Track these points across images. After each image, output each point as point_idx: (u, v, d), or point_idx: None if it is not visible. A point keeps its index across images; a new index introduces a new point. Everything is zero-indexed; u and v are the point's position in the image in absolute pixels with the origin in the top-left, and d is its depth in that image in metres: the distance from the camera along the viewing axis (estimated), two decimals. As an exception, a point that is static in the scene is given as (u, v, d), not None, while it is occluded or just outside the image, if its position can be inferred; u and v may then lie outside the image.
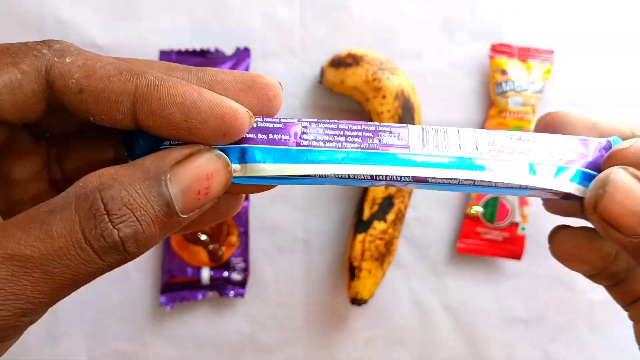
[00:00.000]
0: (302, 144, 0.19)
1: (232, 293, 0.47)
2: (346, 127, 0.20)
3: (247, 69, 0.46)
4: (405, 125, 0.21)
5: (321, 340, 0.48)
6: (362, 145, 0.20)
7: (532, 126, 0.46)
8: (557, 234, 0.22)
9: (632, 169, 0.18)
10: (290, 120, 0.20)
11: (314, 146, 0.19)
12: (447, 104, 0.48)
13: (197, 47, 0.46)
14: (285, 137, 0.19)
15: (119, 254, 0.16)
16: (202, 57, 0.46)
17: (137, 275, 0.47)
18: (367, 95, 0.44)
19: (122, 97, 0.17)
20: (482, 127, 0.48)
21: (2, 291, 0.15)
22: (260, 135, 0.19)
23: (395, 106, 0.44)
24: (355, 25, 0.47)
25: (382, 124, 0.21)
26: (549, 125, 0.22)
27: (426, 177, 0.20)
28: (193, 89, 0.17)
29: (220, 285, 0.47)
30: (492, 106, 0.47)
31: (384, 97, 0.44)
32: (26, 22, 0.46)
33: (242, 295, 0.47)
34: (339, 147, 0.20)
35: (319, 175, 0.19)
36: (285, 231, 0.48)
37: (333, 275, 0.48)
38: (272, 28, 0.47)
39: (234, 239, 0.46)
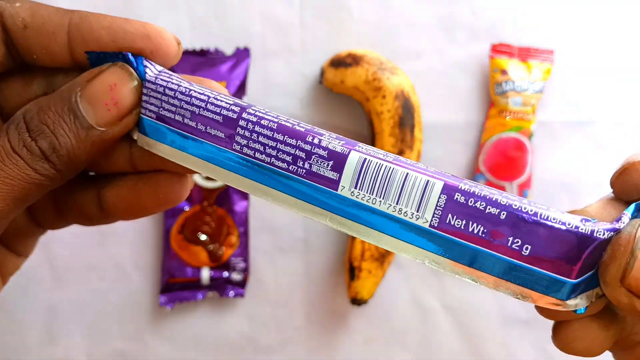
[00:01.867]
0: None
1: (232, 293, 0.47)
2: (281, 137, 0.18)
3: (247, 69, 0.46)
4: (346, 150, 0.17)
5: (321, 340, 0.48)
6: (290, 168, 0.18)
7: (533, 127, 0.46)
8: (566, 330, 0.18)
9: None
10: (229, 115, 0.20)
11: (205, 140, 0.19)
12: (447, 104, 0.48)
13: (197, 47, 0.46)
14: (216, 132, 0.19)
15: (44, 162, 0.19)
16: (202, 57, 0.46)
17: (137, 275, 0.47)
18: (367, 95, 0.44)
19: (59, 28, 0.19)
20: (482, 127, 0.48)
21: None
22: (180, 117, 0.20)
23: (395, 106, 0.44)
24: (355, 25, 0.47)
25: (321, 144, 0.18)
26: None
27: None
28: (120, 18, 0.20)
29: (220, 285, 0.47)
30: (492, 106, 0.47)
31: (384, 97, 0.44)
32: (26, 22, 0.46)
33: (242, 295, 0.47)
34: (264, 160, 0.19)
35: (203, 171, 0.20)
36: (285, 231, 0.48)
37: (333, 275, 0.48)
38: (272, 28, 0.47)
39: (234, 239, 0.46)
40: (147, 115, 0.20)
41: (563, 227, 0.15)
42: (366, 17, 0.47)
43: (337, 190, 0.17)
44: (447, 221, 0.16)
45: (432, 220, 0.16)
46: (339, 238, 0.48)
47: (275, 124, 0.19)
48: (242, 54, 0.46)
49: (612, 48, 0.48)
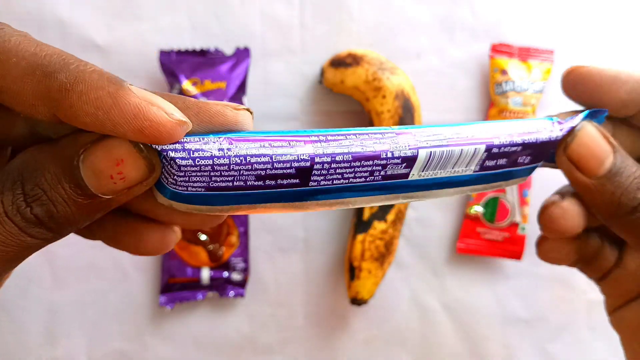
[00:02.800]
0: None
1: (232, 293, 0.47)
2: (358, 164, 0.19)
3: (247, 69, 0.46)
4: (415, 151, 0.20)
5: (321, 340, 0.48)
6: (367, 179, 0.20)
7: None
8: (543, 244, 0.26)
9: (599, 126, 0.23)
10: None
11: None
12: (447, 104, 0.48)
13: (197, 47, 0.46)
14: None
15: (41, 228, 0.17)
16: (202, 57, 0.46)
17: (137, 275, 0.47)
18: (367, 95, 0.44)
19: (38, 101, 0.16)
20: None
21: None
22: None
23: (395, 106, 0.44)
24: (355, 25, 0.47)
25: (389, 151, 0.20)
26: (574, 81, 0.24)
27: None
28: (107, 94, 0.16)
29: (220, 285, 0.47)
30: (492, 106, 0.47)
31: (384, 97, 0.44)
32: (26, 22, 0.46)
33: (242, 295, 0.47)
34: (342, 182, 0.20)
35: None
36: (285, 231, 0.48)
37: (333, 275, 0.48)
38: (272, 28, 0.47)
39: (234, 239, 0.46)
40: (192, 190, 0.18)
41: (549, 138, 0.22)
42: (366, 17, 0.47)
43: (407, 178, 0.21)
44: (485, 165, 0.22)
45: (475, 168, 0.22)
46: (339, 238, 0.48)
47: (350, 155, 0.19)
48: (242, 54, 0.46)
49: (612, 48, 0.48)
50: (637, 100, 0.23)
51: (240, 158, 0.18)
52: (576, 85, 0.24)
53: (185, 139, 0.17)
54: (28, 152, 0.17)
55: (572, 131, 0.22)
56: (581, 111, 0.24)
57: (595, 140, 0.22)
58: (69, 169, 0.17)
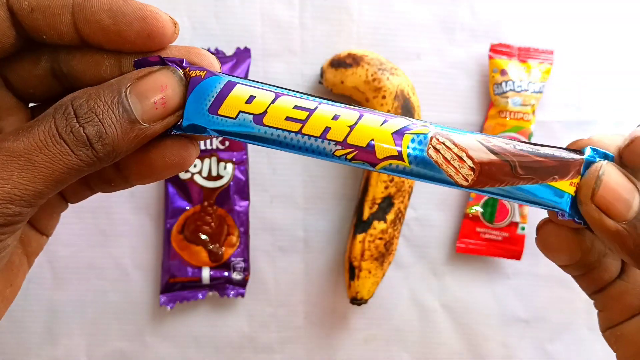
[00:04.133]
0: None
1: (232, 293, 0.47)
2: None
3: (247, 69, 0.46)
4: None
5: (321, 340, 0.49)
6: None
7: (532, 127, 0.46)
8: (544, 226, 0.24)
9: (616, 165, 0.21)
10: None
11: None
12: (447, 104, 0.48)
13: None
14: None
15: (88, 149, 0.19)
16: (202, 57, 0.46)
17: (137, 275, 0.47)
18: (367, 96, 0.44)
19: (63, 9, 0.20)
20: (482, 127, 0.48)
21: None
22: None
23: (395, 106, 0.44)
24: (355, 26, 0.47)
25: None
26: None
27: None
28: None
29: (220, 285, 0.47)
30: (492, 106, 0.47)
31: (383, 97, 0.44)
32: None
33: (242, 295, 0.47)
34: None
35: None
36: (285, 231, 0.48)
37: (333, 275, 0.48)
38: (272, 28, 0.47)
39: (234, 238, 0.46)
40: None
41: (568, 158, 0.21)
42: (366, 17, 0.47)
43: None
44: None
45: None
46: (339, 238, 0.48)
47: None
48: (242, 54, 0.46)
49: (612, 48, 0.48)
50: None
51: None
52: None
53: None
54: (78, 91, 0.20)
55: (592, 174, 0.21)
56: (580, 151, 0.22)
57: (622, 182, 0.20)
58: (118, 97, 0.19)
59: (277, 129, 0.21)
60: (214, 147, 0.46)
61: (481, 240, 0.48)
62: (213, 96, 0.21)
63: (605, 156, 0.21)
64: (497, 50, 0.47)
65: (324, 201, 0.48)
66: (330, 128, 0.21)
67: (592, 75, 0.48)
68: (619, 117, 0.48)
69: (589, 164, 0.21)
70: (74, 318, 0.47)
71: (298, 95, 0.21)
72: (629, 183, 0.20)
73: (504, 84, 0.46)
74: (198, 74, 0.21)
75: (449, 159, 0.21)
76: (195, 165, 0.46)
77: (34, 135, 0.19)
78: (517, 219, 0.47)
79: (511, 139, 0.21)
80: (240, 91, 0.21)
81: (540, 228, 0.24)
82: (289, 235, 0.48)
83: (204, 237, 0.46)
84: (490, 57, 0.47)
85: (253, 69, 0.47)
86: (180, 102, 0.21)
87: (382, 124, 0.21)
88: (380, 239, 0.44)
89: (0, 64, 0.22)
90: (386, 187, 0.44)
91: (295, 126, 0.21)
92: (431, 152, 0.21)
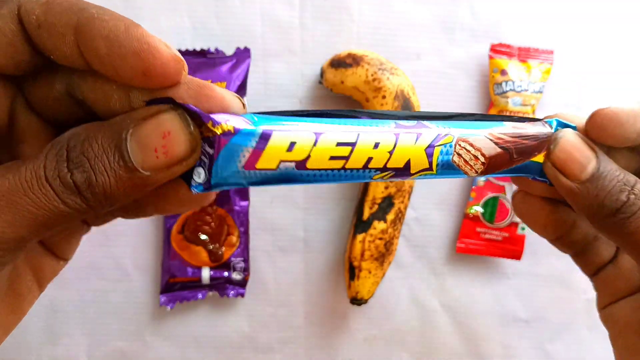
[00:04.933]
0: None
1: (232, 293, 0.47)
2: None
3: (247, 69, 0.46)
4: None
5: (321, 340, 0.49)
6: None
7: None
8: (516, 195, 0.27)
9: (579, 134, 0.24)
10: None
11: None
12: (447, 104, 0.48)
13: (198, 47, 0.46)
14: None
15: (76, 197, 0.17)
16: (203, 57, 0.46)
17: (138, 275, 0.47)
18: (367, 96, 0.44)
19: (67, 29, 0.18)
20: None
21: None
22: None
23: (395, 106, 0.44)
24: (355, 26, 0.47)
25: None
26: (601, 123, 0.24)
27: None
28: (122, 23, 0.18)
29: (220, 285, 0.47)
30: (492, 106, 0.47)
31: (384, 97, 0.44)
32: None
33: (242, 295, 0.47)
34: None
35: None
36: (285, 231, 0.48)
37: (333, 275, 0.48)
38: (272, 28, 0.47)
39: (234, 238, 0.46)
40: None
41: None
42: (366, 17, 0.47)
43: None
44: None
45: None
46: (339, 238, 0.48)
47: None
48: (242, 54, 0.46)
49: (612, 48, 0.48)
50: None
51: None
52: (603, 126, 0.24)
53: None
54: (80, 126, 0.18)
55: (552, 137, 0.24)
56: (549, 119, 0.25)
57: (577, 145, 0.23)
58: (116, 140, 0.17)
59: (321, 170, 0.19)
60: (214, 147, 0.46)
61: (481, 240, 0.48)
62: (248, 151, 0.18)
63: (568, 127, 0.24)
64: (497, 50, 0.47)
65: (324, 201, 0.48)
66: (372, 158, 0.20)
67: (592, 75, 0.48)
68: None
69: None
70: (75, 318, 0.47)
71: (336, 123, 0.20)
72: (586, 149, 0.23)
73: (504, 83, 0.46)
74: (225, 129, 0.18)
75: (467, 160, 0.22)
76: (195, 165, 0.46)
77: (20, 174, 0.17)
78: (518, 219, 0.47)
79: (507, 119, 0.24)
80: (279, 140, 0.19)
81: (513, 197, 0.27)
82: (289, 235, 0.48)
83: (204, 237, 0.46)
84: (491, 57, 0.47)
85: (253, 69, 0.47)
86: (188, 152, 0.18)
87: (415, 141, 0.21)
88: (380, 239, 0.44)
89: (20, 84, 0.20)
90: (386, 187, 0.44)
91: (339, 164, 0.20)
92: (455, 158, 0.22)
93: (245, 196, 0.47)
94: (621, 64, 0.48)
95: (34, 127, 0.21)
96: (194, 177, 0.19)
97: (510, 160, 0.23)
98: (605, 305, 0.27)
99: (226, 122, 0.18)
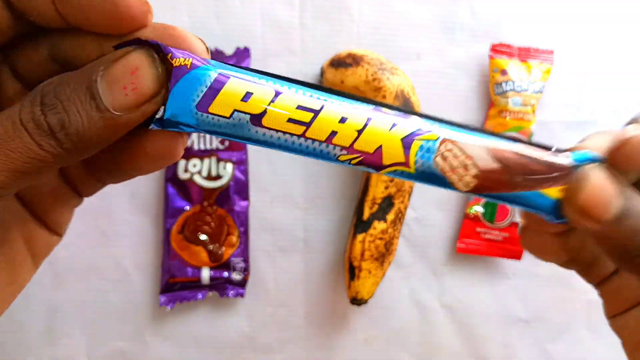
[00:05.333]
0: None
1: (232, 293, 0.47)
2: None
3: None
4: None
5: (321, 340, 0.49)
6: None
7: (533, 127, 0.46)
8: (526, 232, 0.25)
9: (605, 170, 0.21)
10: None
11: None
12: (447, 104, 0.48)
13: (197, 47, 0.46)
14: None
15: (50, 139, 0.18)
16: (202, 57, 0.46)
17: (137, 275, 0.47)
18: (367, 95, 0.44)
19: None
20: (482, 127, 0.48)
21: None
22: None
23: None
24: (355, 26, 0.47)
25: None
26: (630, 154, 0.21)
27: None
28: None
29: (220, 285, 0.47)
30: (492, 106, 0.47)
31: (384, 97, 0.44)
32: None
33: (242, 295, 0.47)
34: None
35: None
36: (285, 231, 0.48)
37: (333, 275, 0.48)
38: (272, 28, 0.47)
39: (234, 238, 0.46)
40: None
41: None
42: (366, 17, 0.47)
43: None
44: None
45: None
46: (339, 238, 0.48)
47: None
48: (242, 54, 0.46)
49: (612, 48, 0.48)
50: None
51: None
52: (633, 157, 0.21)
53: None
54: (56, 76, 0.19)
55: (576, 177, 0.21)
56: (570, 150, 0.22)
57: (605, 185, 0.20)
58: (87, 83, 0.18)
59: (277, 131, 0.19)
60: (214, 147, 0.46)
61: (481, 240, 0.48)
62: (202, 91, 0.18)
63: (594, 159, 0.21)
64: (497, 50, 0.47)
65: (324, 201, 0.48)
66: (336, 132, 0.19)
67: (592, 75, 0.48)
68: (619, 117, 0.48)
69: (577, 168, 0.21)
70: (74, 318, 0.47)
71: (301, 89, 0.19)
72: (611, 186, 0.20)
73: (504, 83, 0.46)
74: (183, 63, 0.18)
75: (455, 166, 0.20)
76: (195, 165, 0.46)
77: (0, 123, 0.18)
78: (518, 219, 0.47)
79: (516, 140, 0.21)
80: (235, 86, 0.18)
81: (522, 233, 0.25)
82: (289, 235, 0.48)
83: (203, 237, 0.46)
84: (491, 57, 0.47)
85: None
86: (156, 88, 0.19)
87: (391, 128, 0.19)
88: (381, 239, 0.44)
89: (5, 52, 0.21)
90: (386, 187, 0.44)
91: (299, 129, 0.19)
92: (438, 159, 0.20)
93: (245, 196, 0.47)
94: (621, 64, 0.48)
95: (19, 94, 0.21)
96: (156, 115, 0.19)
97: (511, 181, 0.20)
98: (614, 314, 0.25)
99: (185, 57, 0.18)
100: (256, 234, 0.48)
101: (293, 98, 0.19)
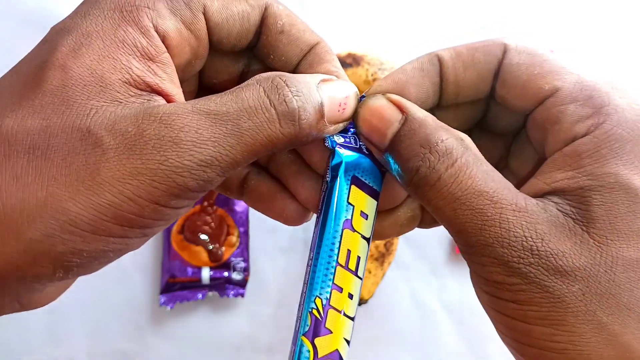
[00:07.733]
0: None
1: (232, 293, 0.47)
2: None
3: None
4: None
5: (321, 340, 0.48)
6: None
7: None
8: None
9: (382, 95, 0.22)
10: None
11: None
12: (447, 104, 0.48)
13: (198, 48, 0.46)
14: None
15: (292, 123, 0.19)
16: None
17: (137, 275, 0.47)
18: (367, 96, 0.44)
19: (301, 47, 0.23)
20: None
21: (200, 136, 0.17)
22: None
23: (395, 106, 0.44)
24: (356, 25, 0.47)
25: None
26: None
27: None
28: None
29: (220, 285, 0.47)
30: (492, 106, 0.47)
31: (383, 97, 0.44)
32: (27, 22, 0.46)
33: (242, 295, 0.47)
34: None
35: None
36: (285, 231, 0.48)
37: (333, 275, 0.48)
38: (272, 28, 0.47)
39: (234, 239, 0.46)
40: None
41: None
42: (366, 17, 0.47)
43: None
44: None
45: None
46: (339, 238, 0.48)
47: None
48: (242, 55, 0.46)
49: (612, 48, 0.48)
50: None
51: None
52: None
53: None
54: (271, 72, 0.20)
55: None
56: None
57: (384, 106, 0.21)
58: (313, 87, 0.20)
59: None
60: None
61: (481, 241, 0.48)
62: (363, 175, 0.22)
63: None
64: (497, 50, 0.47)
65: (324, 201, 0.48)
66: None
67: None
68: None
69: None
70: (75, 318, 0.47)
71: None
72: (392, 109, 0.21)
73: (504, 84, 0.46)
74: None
75: None
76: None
77: (243, 100, 0.18)
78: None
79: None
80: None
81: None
82: (289, 235, 0.48)
83: (203, 237, 0.46)
84: (491, 57, 0.47)
85: (253, 69, 0.47)
86: (350, 116, 0.21)
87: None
88: (380, 239, 0.44)
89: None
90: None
91: None
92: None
93: (245, 196, 0.47)
94: (621, 64, 0.48)
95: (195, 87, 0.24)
96: (335, 136, 0.22)
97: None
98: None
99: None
100: (256, 234, 0.48)
101: None
